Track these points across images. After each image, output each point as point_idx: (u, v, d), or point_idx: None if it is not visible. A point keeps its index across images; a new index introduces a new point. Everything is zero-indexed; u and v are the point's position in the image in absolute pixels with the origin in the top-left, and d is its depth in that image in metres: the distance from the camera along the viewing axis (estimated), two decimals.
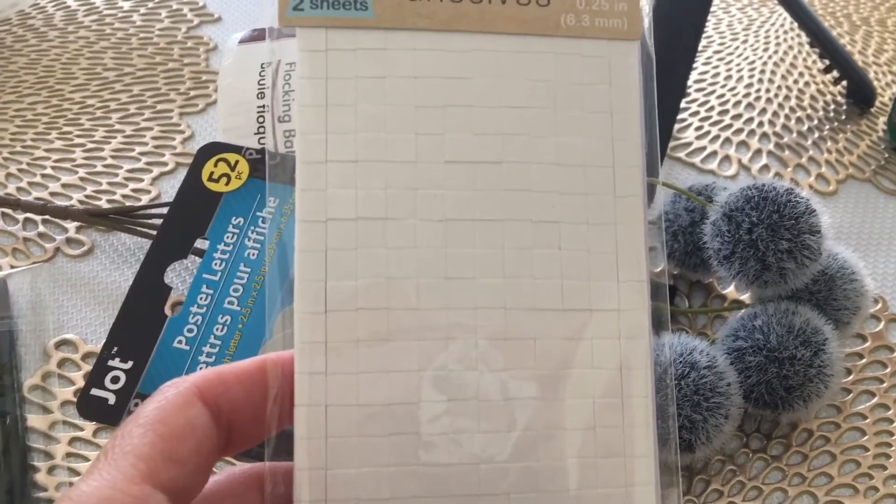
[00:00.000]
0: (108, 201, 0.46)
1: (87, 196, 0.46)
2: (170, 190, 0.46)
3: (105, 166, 0.47)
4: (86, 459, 0.36)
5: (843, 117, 0.53)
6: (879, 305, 0.43)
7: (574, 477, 0.21)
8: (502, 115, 0.22)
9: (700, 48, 0.53)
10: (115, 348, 0.35)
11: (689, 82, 0.54)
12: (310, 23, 0.22)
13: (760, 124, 0.52)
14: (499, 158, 0.22)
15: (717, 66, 0.56)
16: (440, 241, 0.22)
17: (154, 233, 0.40)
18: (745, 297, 0.42)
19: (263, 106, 0.42)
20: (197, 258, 0.38)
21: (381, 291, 0.21)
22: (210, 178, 0.40)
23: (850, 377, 0.40)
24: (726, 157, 0.50)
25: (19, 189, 0.46)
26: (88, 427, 0.37)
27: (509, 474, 0.21)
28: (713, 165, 0.50)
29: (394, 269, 0.21)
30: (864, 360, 0.40)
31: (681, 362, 0.34)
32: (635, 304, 0.22)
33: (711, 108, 0.53)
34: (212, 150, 0.40)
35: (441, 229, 0.22)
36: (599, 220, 0.22)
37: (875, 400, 0.39)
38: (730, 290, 0.42)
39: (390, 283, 0.21)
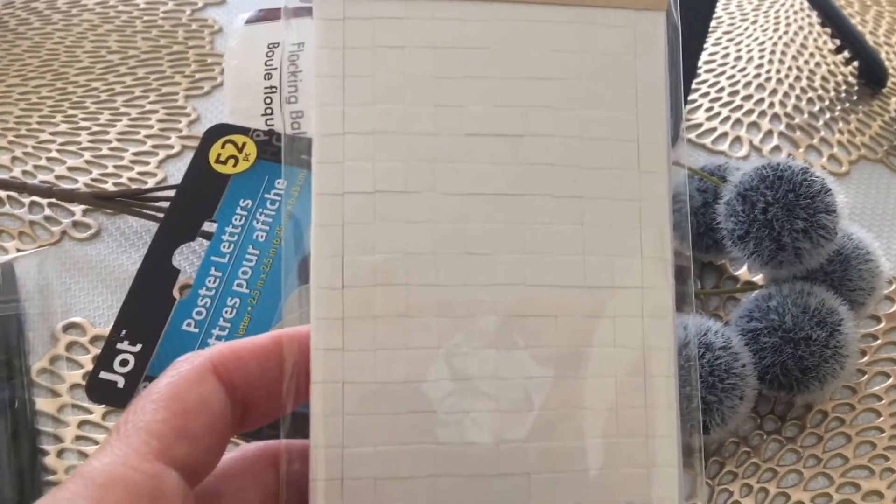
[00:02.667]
0: (115, 184, 0.45)
1: (93, 179, 0.45)
2: (176, 173, 0.46)
3: (111, 149, 0.47)
4: (95, 442, 0.36)
5: (855, 98, 0.52)
6: (893, 287, 0.42)
7: (594, 457, 0.21)
8: (524, 86, 0.22)
9: (710, 29, 0.52)
10: (124, 331, 0.35)
11: (699, 63, 0.53)
12: None
13: (771, 105, 0.51)
14: (520, 131, 0.22)
15: (727, 47, 0.55)
16: (460, 216, 0.21)
17: (161, 216, 0.40)
18: (758, 278, 0.41)
19: (271, 87, 0.41)
20: (205, 241, 0.38)
21: (399, 266, 0.21)
22: (217, 160, 0.39)
23: (865, 358, 0.39)
24: (737, 139, 0.50)
25: (25, 172, 0.45)
26: (97, 410, 0.37)
27: (528, 454, 0.21)
28: (724, 147, 0.49)
29: (412, 244, 0.21)
30: (878, 342, 0.40)
31: (695, 343, 0.33)
32: (659, 281, 0.22)
33: (722, 89, 0.53)
34: (219, 131, 0.40)
35: (461, 203, 0.21)
36: (623, 196, 0.22)
37: (890, 381, 0.39)
38: (742, 272, 0.42)
39: (408, 258, 0.21)
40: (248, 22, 0.43)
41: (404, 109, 0.21)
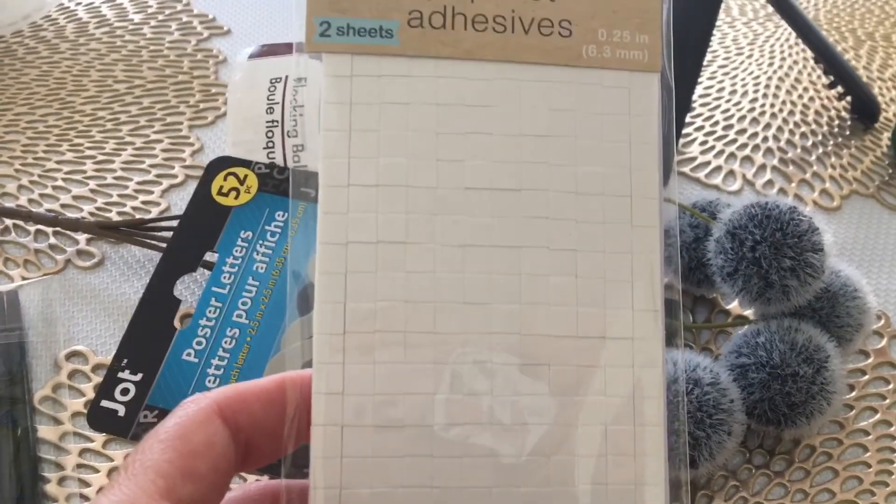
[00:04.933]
0: (119, 213, 0.46)
1: (97, 208, 0.46)
2: (179, 202, 0.47)
3: (115, 178, 0.48)
4: (96, 470, 0.37)
5: (848, 133, 0.53)
6: (882, 322, 0.43)
7: (585, 502, 0.22)
8: (523, 143, 0.23)
9: (705, 63, 0.53)
10: (125, 360, 0.36)
11: (694, 97, 0.54)
12: (336, 49, 0.23)
13: (765, 139, 0.52)
14: (518, 186, 0.22)
15: (721, 81, 0.56)
16: (458, 267, 0.22)
17: (164, 245, 0.41)
18: (749, 312, 0.42)
19: (272, 121, 0.42)
20: (206, 271, 0.38)
21: (398, 314, 0.22)
22: (219, 192, 0.40)
23: (853, 393, 0.40)
24: (731, 172, 0.50)
25: (31, 201, 0.46)
26: (98, 438, 0.37)
27: (522, 498, 0.21)
28: (717, 180, 0.50)
29: (412, 293, 0.22)
30: (866, 377, 0.41)
31: (684, 378, 0.34)
32: (650, 332, 0.22)
33: (716, 122, 0.53)
34: (221, 164, 0.41)
35: (460, 255, 0.22)
36: (616, 249, 0.23)
37: (877, 416, 0.39)
38: (734, 306, 0.43)
39: (408, 307, 0.22)
40: (251, 57, 0.44)
41: (407, 163, 0.22)
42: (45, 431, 0.37)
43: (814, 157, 0.51)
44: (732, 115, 0.54)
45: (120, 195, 0.47)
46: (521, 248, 0.22)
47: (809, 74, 0.57)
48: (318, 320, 0.22)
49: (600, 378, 0.22)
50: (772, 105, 0.54)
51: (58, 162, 0.48)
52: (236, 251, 0.39)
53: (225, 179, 0.40)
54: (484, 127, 0.23)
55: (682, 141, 0.52)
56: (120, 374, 0.35)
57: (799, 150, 0.52)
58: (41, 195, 0.47)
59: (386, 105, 0.23)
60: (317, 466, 0.21)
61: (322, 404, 0.21)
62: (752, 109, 0.54)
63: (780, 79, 0.56)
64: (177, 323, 0.37)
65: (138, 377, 0.35)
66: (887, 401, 0.40)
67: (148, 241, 0.43)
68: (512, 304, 0.22)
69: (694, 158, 0.51)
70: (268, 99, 0.42)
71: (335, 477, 0.21)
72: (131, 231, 0.43)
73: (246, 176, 0.41)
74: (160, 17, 0.58)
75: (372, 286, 0.22)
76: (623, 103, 0.23)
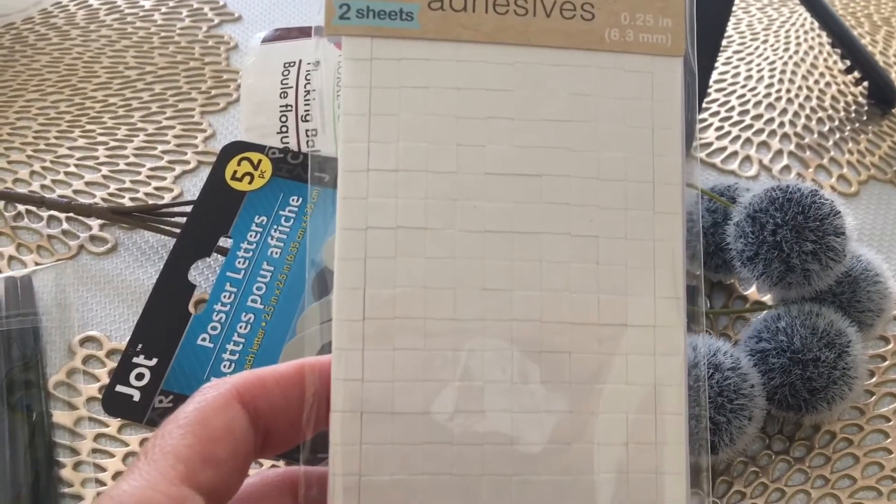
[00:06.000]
0: (131, 199, 0.46)
1: (110, 194, 0.46)
2: (192, 188, 0.46)
3: (128, 164, 0.48)
4: (111, 455, 0.36)
5: (865, 118, 0.53)
6: None
7: (606, 491, 0.21)
8: (544, 128, 0.22)
9: (721, 48, 0.53)
10: (140, 345, 0.36)
11: (710, 82, 0.53)
12: (356, 31, 0.22)
13: (781, 125, 0.52)
14: (539, 171, 0.22)
15: (737, 66, 0.56)
16: (478, 253, 0.22)
17: (177, 231, 0.40)
18: (767, 298, 0.42)
19: (286, 105, 0.42)
20: (220, 256, 0.38)
21: (418, 300, 0.21)
22: (233, 177, 0.40)
23: (874, 379, 0.39)
24: (747, 158, 0.50)
25: (43, 187, 0.46)
26: (113, 423, 0.37)
27: (542, 486, 0.21)
28: (734, 166, 0.49)
29: (431, 279, 0.21)
30: (887, 363, 0.40)
31: (705, 363, 0.34)
32: (671, 320, 0.22)
33: (732, 108, 0.53)
34: (235, 149, 0.41)
35: (480, 240, 0.22)
36: (638, 236, 0.22)
37: None
38: (751, 292, 0.42)
39: (427, 293, 0.21)
40: (265, 41, 0.43)
41: (427, 148, 0.22)
42: (60, 416, 0.37)
43: (830, 143, 0.51)
44: (748, 101, 0.53)
45: (132, 181, 0.47)
46: (542, 235, 0.22)
47: (826, 59, 0.56)
48: (337, 306, 0.21)
49: (621, 366, 0.22)
50: (788, 90, 0.54)
51: (70, 148, 0.48)
52: (251, 236, 0.38)
53: (239, 164, 0.40)
54: (504, 112, 0.22)
55: (697, 126, 0.51)
56: (135, 360, 0.35)
57: (815, 136, 0.51)
58: (53, 181, 0.47)
59: (406, 89, 0.22)
60: (336, 453, 0.21)
61: (341, 391, 0.21)
62: (769, 95, 0.54)
63: (797, 64, 0.56)
64: (191, 308, 0.37)
65: (153, 362, 0.35)
66: None
67: (161, 226, 0.43)
68: (532, 291, 0.22)
69: (710, 144, 0.51)
70: (281, 83, 0.42)
71: (354, 464, 0.21)
72: (145, 216, 0.43)
73: (260, 161, 0.40)
74: (171, 3, 0.58)
75: (391, 272, 0.21)
76: (646, 88, 0.23)
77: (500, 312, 0.22)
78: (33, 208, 0.45)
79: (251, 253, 0.38)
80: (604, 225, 0.22)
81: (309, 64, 0.43)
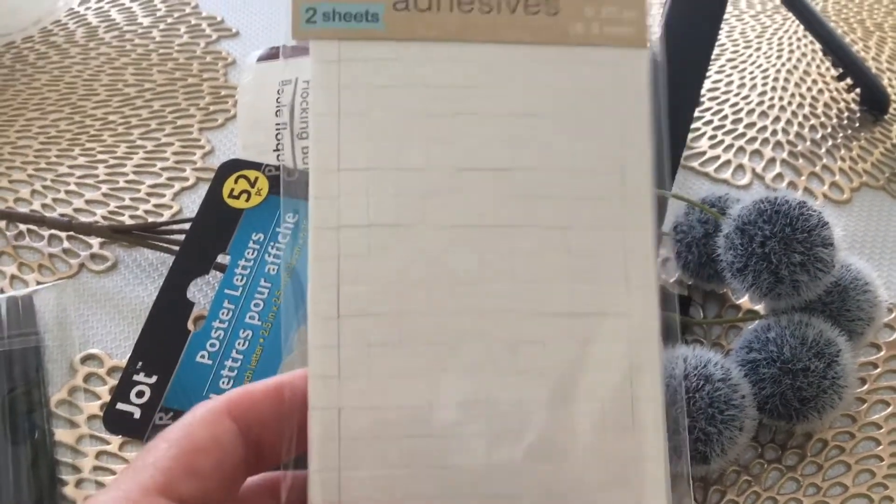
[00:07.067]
0: (131, 216, 0.46)
1: (110, 212, 0.47)
2: (191, 205, 0.47)
3: (127, 182, 0.48)
4: (112, 473, 0.37)
5: (857, 125, 0.53)
6: (893, 315, 0.43)
7: (586, 478, 0.22)
8: (512, 122, 0.23)
9: (713, 56, 0.53)
10: (140, 363, 0.36)
11: (703, 91, 0.54)
12: (323, 35, 0.23)
13: (774, 133, 0.52)
14: (508, 165, 0.23)
15: (730, 74, 0.56)
16: (451, 247, 0.22)
17: (176, 248, 0.41)
18: (760, 307, 0.42)
19: (281, 123, 0.42)
20: (219, 273, 0.39)
21: (392, 296, 0.22)
22: (231, 195, 0.40)
23: (865, 387, 0.40)
24: (740, 166, 0.50)
25: (44, 205, 0.47)
26: (115, 441, 0.38)
27: (520, 475, 0.22)
28: (727, 174, 0.50)
29: (405, 275, 0.22)
30: (878, 370, 0.41)
31: (695, 375, 0.34)
32: (644, 308, 0.22)
33: (725, 116, 0.53)
34: (232, 166, 0.41)
35: (452, 235, 0.22)
36: (608, 226, 0.23)
37: (889, 410, 0.39)
38: (744, 301, 0.43)
39: (401, 289, 0.22)
40: (260, 59, 0.44)
41: (397, 146, 0.22)
42: (62, 434, 0.38)
43: (823, 150, 0.51)
44: (741, 109, 0.54)
45: (132, 199, 0.47)
46: (514, 227, 0.22)
47: (818, 66, 0.57)
48: (312, 304, 0.22)
49: (596, 354, 0.22)
50: (780, 98, 0.54)
51: (70, 166, 0.49)
52: (248, 253, 0.39)
53: (236, 182, 0.41)
54: (473, 108, 0.23)
55: (691, 135, 0.52)
56: (135, 377, 0.36)
57: (808, 143, 0.52)
58: (54, 200, 0.47)
59: (374, 88, 0.23)
60: (314, 449, 0.21)
61: (318, 387, 0.21)
62: (761, 103, 0.54)
63: (789, 71, 0.56)
64: (190, 325, 0.37)
65: (153, 379, 0.36)
66: None
67: (160, 244, 0.43)
68: (506, 283, 0.22)
69: (703, 153, 0.51)
70: (277, 101, 0.43)
71: (333, 459, 0.21)
72: (144, 234, 0.44)
73: (256, 178, 0.41)
74: (169, 20, 0.58)
75: (365, 269, 0.22)
76: (612, 79, 0.23)
77: (475, 306, 0.22)
78: (34, 227, 0.45)
79: (249, 270, 0.38)
80: (574, 215, 0.23)
81: (305, 82, 0.43)
